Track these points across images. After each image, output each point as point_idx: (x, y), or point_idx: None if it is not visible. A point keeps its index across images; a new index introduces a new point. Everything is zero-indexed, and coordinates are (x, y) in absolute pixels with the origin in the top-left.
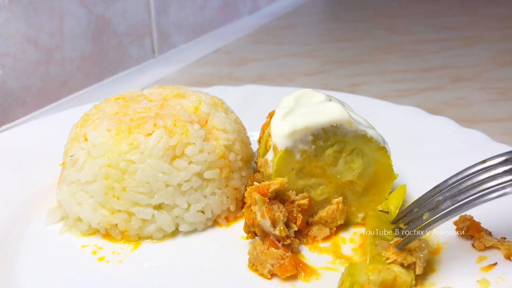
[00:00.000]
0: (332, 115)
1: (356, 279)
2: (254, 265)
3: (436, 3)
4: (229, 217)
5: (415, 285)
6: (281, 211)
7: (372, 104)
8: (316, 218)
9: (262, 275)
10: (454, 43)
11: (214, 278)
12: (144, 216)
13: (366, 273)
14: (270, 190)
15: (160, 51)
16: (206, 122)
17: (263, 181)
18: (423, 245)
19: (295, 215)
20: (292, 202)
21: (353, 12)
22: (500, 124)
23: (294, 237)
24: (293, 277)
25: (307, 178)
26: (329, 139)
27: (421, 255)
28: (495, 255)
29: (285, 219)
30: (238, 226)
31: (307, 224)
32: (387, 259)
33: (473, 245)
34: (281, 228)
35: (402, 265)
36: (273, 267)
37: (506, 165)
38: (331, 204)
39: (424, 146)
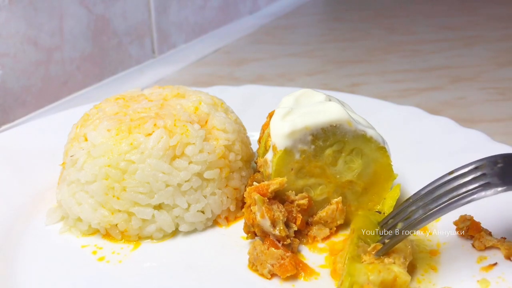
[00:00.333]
0: (332, 115)
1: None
2: (254, 265)
3: (436, 3)
4: (229, 217)
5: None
6: (280, 211)
7: (372, 104)
8: (315, 218)
9: (262, 275)
10: (454, 43)
11: (214, 278)
12: (144, 216)
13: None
14: (269, 190)
15: (160, 51)
16: (206, 122)
17: (263, 181)
18: (408, 245)
19: (294, 215)
20: (292, 202)
21: (353, 12)
22: (500, 124)
23: (294, 237)
24: (293, 277)
25: (306, 178)
26: (329, 139)
27: (401, 256)
28: (495, 255)
29: (285, 219)
30: (238, 226)
31: (307, 224)
32: (365, 261)
33: (473, 245)
34: (281, 228)
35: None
36: (273, 267)
37: (475, 172)
38: (331, 204)
39: (424, 146)
